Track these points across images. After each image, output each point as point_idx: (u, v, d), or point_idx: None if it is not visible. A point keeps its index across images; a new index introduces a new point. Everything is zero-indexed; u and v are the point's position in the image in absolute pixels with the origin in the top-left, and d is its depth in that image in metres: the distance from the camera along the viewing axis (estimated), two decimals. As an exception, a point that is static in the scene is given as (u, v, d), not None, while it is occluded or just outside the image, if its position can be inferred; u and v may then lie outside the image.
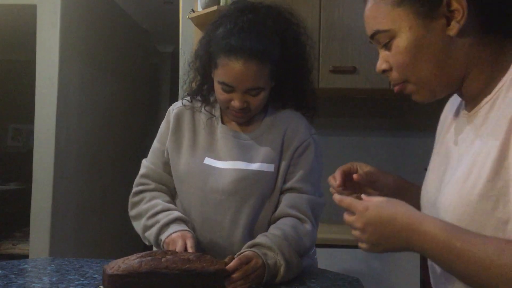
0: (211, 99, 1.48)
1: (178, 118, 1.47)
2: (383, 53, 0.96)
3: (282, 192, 1.41)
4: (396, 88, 0.97)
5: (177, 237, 1.28)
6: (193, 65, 1.48)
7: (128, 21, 4.62)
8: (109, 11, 4.13)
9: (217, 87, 1.36)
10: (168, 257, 1.09)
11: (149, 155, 1.53)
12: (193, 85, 1.50)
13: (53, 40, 3.26)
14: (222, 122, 1.46)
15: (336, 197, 0.94)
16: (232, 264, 1.16)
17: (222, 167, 1.39)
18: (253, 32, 1.32)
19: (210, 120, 1.46)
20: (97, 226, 4.00)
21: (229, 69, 1.31)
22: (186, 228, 1.33)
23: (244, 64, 1.29)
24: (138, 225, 1.44)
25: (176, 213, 1.37)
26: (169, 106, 1.58)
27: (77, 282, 1.18)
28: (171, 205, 1.42)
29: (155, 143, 1.51)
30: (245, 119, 1.41)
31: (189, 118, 1.47)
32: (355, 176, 1.08)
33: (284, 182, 1.41)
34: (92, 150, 3.89)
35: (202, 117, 1.47)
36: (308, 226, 1.36)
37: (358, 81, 2.40)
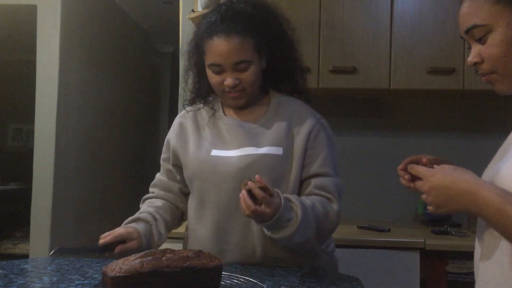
0: (211, 96, 1.52)
1: (181, 123, 1.53)
2: (476, 47, 1.02)
3: (307, 179, 1.42)
4: (484, 79, 1.04)
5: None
6: (188, 66, 1.53)
7: (128, 21, 4.62)
8: (109, 11, 4.13)
9: (209, 72, 1.41)
10: (168, 255, 1.09)
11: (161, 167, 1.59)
12: (192, 87, 1.56)
13: (53, 40, 3.27)
14: (225, 115, 1.49)
15: (409, 165, 1.06)
16: (268, 210, 1.22)
17: (230, 155, 1.41)
18: (231, 13, 1.39)
19: (212, 117, 1.49)
20: (97, 226, 3.99)
21: (213, 48, 1.37)
22: (134, 226, 1.41)
23: (226, 39, 1.35)
24: None
25: (137, 215, 1.46)
26: (169, 106, 1.65)
27: (78, 282, 1.18)
28: (150, 209, 1.48)
29: (162, 155, 1.57)
30: (243, 100, 1.43)
31: (191, 120, 1.51)
32: (424, 160, 1.14)
33: (304, 167, 1.42)
34: (92, 150, 3.89)
35: (204, 115, 1.51)
36: (335, 206, 1.39)
37: (358, 81, 2.40)
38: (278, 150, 1.40)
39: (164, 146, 1.56)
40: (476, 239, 1.07)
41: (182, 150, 1.48)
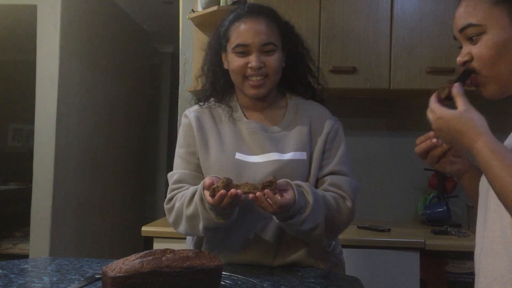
0: (227, 96, 1.50)
1: (199, 119, 1.46)
2: (466, 47, 1.04)
3: (322, 178, 1.42)
4: (469, 81, 1.05)
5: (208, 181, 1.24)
6: (204, 64, 1.51)
7: (128, 21, 4.62)
8: (109, 11, 4.13)
9: (232, 57, 1.40)
10: (168, 255, 1.09)
11: (177, 163, 1.47)
12: (200, 86, 1.54)
13: (53, 40, 3.27)
14: (245, 117, 1.47)
15: (431, 98, 1.06)
16: (285, 200, 1.21)
17: (256, 161, 1.38)
18: (258, 5, 1.45)
19: (231, 118, 1.46)
20: (97, 226, 4.00)
21: (241, 29, 1.38)
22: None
23: (255, 20, 1.38)
24: (183, 228, 1.38)
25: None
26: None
27: (78, 282, 1.18)
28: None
29: (181, 150, 1.47)
30: (264, 89, 1.40)
31: (209, 117, 1.47)
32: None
33: (321, 167, 1.43)
34: (92, 150, 3.89)
35: (220, 113, 1.47)
36: (349, 203, 1.39)
37: (358, 81, 2.40)
38: (302, 155, 1.40)
39: (186, 139, 1.46)
40: (476, 234, 1.08)
41: (203, 147, 1.42)
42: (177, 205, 1.38)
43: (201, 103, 1.51)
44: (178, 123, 2.85)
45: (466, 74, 1.04)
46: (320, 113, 1.48)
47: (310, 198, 1.29)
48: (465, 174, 1.16)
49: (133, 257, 1.08)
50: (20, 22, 3.99)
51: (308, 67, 1.52)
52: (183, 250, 1.17)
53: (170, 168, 1.52)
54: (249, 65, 1.37)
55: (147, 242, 2.35)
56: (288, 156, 1.39)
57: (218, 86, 1.48)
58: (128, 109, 4.69)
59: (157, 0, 4.48)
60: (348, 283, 1.29)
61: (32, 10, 3.29)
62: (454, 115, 0.98)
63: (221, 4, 2.51)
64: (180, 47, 2.88)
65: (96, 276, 1.20)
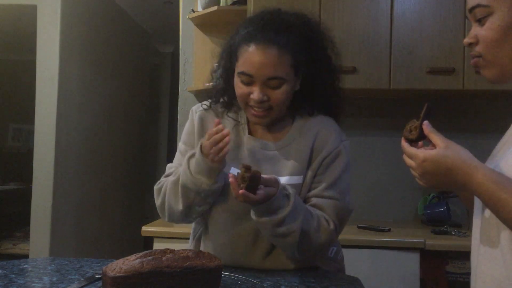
0: (234, 105, 1.43)
1: (202, 121, 1.42)
2: (474, 28, 1.03)
3: (307, 199, 1.37)
4: (472, 62, 1.04)
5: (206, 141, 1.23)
6: (216, 68, 1.44)
7: (128, 21, 4.62)
8: (109, 11, 4.13)
9: (237, 81, 1.32)
10: (168, 255, 1.09)
11: (176, 157, 1.45)
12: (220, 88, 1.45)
13: (53, 40, 3.27)
14: (249, 132, 1.40)
15: (403, 143, 1.05)
16: (258, 196, 1.19)
17: None
18: (275, 23, 1.29)
19: (235, 128, 1.40)
20: (97, 226, 4.00)
21: (248, 56, 1.27)
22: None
23: (264, 49, 1.25)
24: (167, 207, 1.35)
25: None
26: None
27: (78, 282, 1.18)
28: None
29: (183, 146, 1.44)
30: (267, 119, 1.34)
31: (212, 122, 1.39)
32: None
33: (309, 190, 1.37)
34: (92, 150, 3.89)
35: (226, 123, 1.41)
36: (331, 226, 1.32)
37: (358, 81, 2.40)
38: (298, 179, 1.35)
39: (189, 138, 1.43)
40: (473, 236, 1.07)
41: None
42: (164, 185, 1.37)
43: (206, 104, 1.45)
44: (178, 123, 2.85)
45: (429, 111, 1.01)
46: (326, 131, 1.39)
47: (290, 203, 1.24)
48: None
49: (133, 257, 1.08)
50: (20, 22, 3.99)
51: (330, 89, 1.43)
52: (183, 250, 1.17)
53: (170, 168, 1.52)
54: (251, 96, 1.29)
55: (147, 242, 2.35)
56: (283, 180, 1.32)
57: (228, 94, 1.41)
58: (128, 109, 4.69)
59: (157, 0, 4.48)
60: (348, 283, 1.29)
61: (32, 10, 3.29)
62: (439, 154, 0.95)
63: (221, 4, 2.51)
64: (180, 47, 2.88)
65: (96, 276, 1.20)
